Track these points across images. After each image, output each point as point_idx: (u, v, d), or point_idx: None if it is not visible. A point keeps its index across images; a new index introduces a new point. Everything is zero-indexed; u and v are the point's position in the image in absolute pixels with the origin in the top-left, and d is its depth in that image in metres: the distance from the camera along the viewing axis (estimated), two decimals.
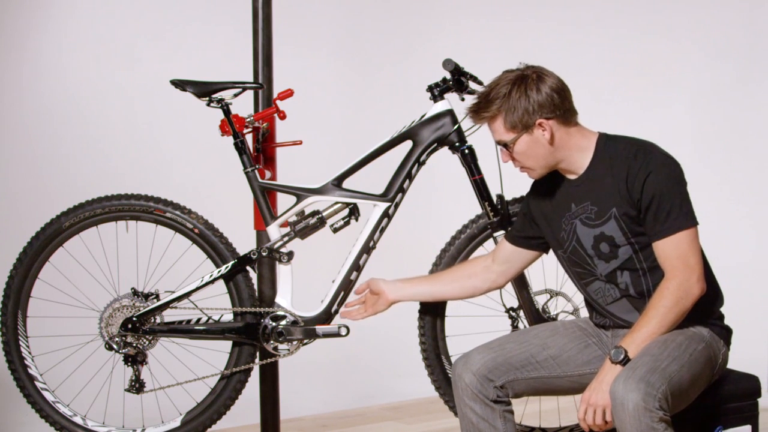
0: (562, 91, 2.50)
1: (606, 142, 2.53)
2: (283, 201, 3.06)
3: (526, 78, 2.49)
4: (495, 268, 2.80)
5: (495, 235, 3.00)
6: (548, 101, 2.47)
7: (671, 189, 2.42)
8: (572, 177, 2.57)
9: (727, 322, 2.59)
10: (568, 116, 2.51)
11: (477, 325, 3.02)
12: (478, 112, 2.54)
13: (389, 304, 2.86)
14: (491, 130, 2.56)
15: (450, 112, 2.99)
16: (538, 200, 2.68)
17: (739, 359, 2.73)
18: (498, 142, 2.56)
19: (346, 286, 2.97)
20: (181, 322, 2.98)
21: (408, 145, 2.99)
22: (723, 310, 2.60)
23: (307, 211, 2.99)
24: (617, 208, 2.47)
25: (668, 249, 2.41)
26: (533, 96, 2.47)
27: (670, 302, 2.39)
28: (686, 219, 2.42)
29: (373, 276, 2.92)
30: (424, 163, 3.00)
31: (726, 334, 2.56)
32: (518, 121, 2.47)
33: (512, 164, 2.59)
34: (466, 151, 2.98)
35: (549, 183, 2.64)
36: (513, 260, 2.78)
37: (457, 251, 3.05)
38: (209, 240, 3.01)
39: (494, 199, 3.00)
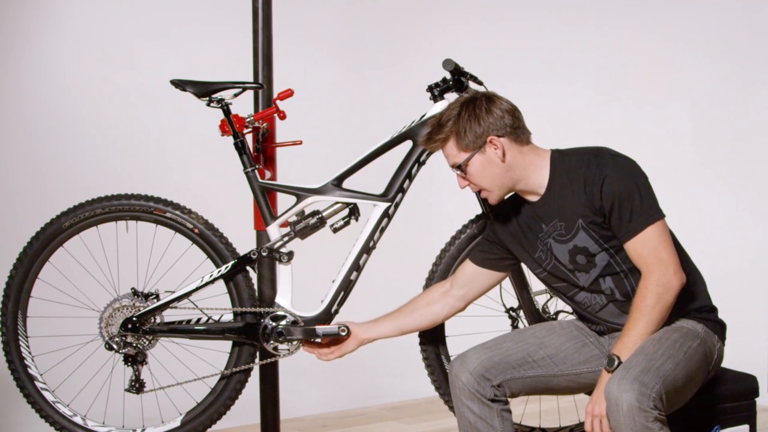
0: (512, 112, 2.54)
1: (560, 158, 2.56)
2: (283, 201, 3.06)
3: (476, 100, 2.54)
4: (454, 292, 2.80)
5: None
6: (498, 120, 2.51)
7: (629, 188, 2.43)
8: (534, 199, 2.60)
9: (725, 322, 2.59)
10: (519, 134, 2.54)
11: (477, 325, 3.02)
12: (431, 137, 2.57)
13: (359, 344, 2.87)
14: (445, 156, 2.59)
15: None
16: (506, 226, 2.69)
17: (737, 359, 2.73)
18: (452, 166, 2.58)
19: (346, 286, 2.97)
20: (181, 322, 2.98)
21: (408, 145, 2.99)
22: (719, 308, 2.60)
23: (307, 211, 2.99)
24: (582, 218, 2.49)
25: (639, 247, 2.43)
26: (483, 116, 2.51)
27: (651, 300, 2.39)
28: (650, 214, 2.43)
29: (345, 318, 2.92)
30: (424, 163, 3.00)
31: (720, 328, 2.56)
32: (470, 140, 2.51)
33: (470, 189, 2.61)
34: None
35: (513, 208, 2.66)
36: (475, 283, 2.78)
37: (457, 251, 3.05)
38: (209, 240, 3.01)
39: None
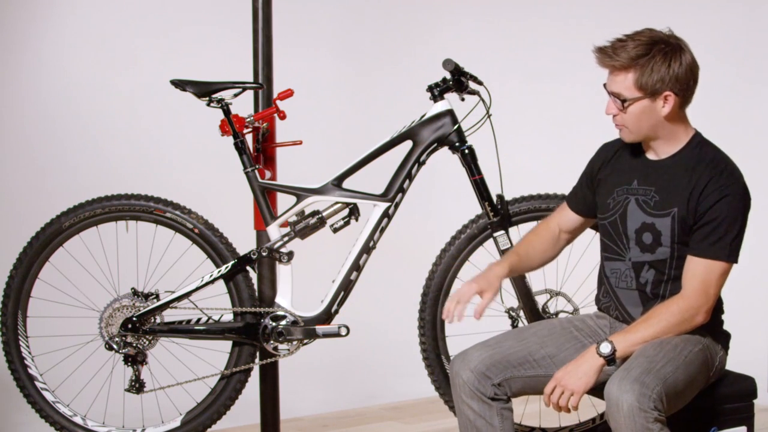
0: (696, 72, 2.46)
1: (700, 143, 2.51)
2: (283, 201, 3.06)
3: (672, 45, 2.43)
4: (563, 236, 2.75)
5: (495, 235, 3.00)
6: (684, 77, 2.42)
7: (734, 219, 2.40)
8: (651, 156, 2.54)
9: (724, 323, 2.59)
10: (687, 101, 2.48)
11: (477, 325, 3.01)
12: (611, 56, 2.44)
13: (496, 292, 2.65)
14: (612, 78, 2.47)
15: (450, 112, 2.99)
16: (607, 160, 2.64)
17: (735, 360, 2.72)
18: (613, 93, 2.47)
19: (346, 286, 2.97)
20: (181, 322, 2.98)
21: (408, 145, 2.99)
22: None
23: (307, 211, 2.99)
24: (679, 209, 2.45)
25: (699, 269, 2.40)
26: (674, 67, 2.40)
27: (675, 320, 2.39)
28: (731, 252, 2.41)
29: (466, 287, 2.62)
30: (424, 163, 3.00)
31: (724, 339, 2.56)
32: (650, 84, 2.41)
33: (612, 118, 2.51)
34: (466, 151, 2.99)
35: (624, 149, 2.61)
36: (580, 225, 2.74)
37: (457, 251, 3.05)
38: (209, 240, 3.01)
39: (494, 199, 3.00)
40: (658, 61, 2.40)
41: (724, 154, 2.51)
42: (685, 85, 2.43)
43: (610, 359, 2.34)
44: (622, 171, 2.59)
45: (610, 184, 2.60)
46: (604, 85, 2.50)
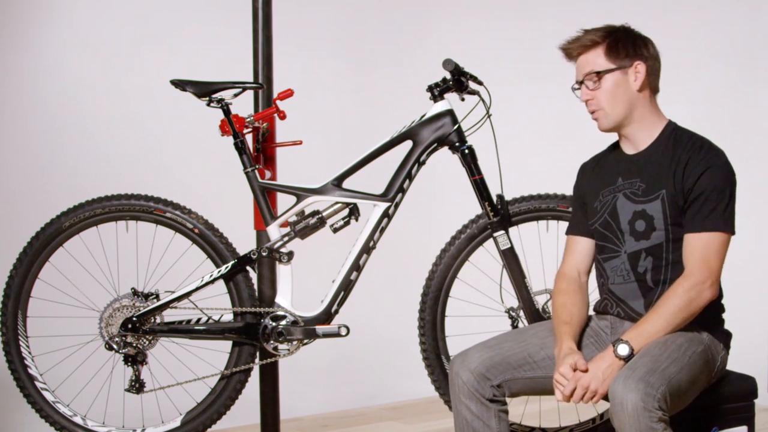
0: (659, 59, 2.57)
1: (674, 129, 2.56)
2: (283, 201, 3.06)
3: (633, 30, 2.58)
4: (584, 278, 2.72)
5: (495, 235, 3.00)
6: (649, 50, 2.54)
7: (723, 190, 2.43)
8: (630, 151, 2.59)
9: (725, 322, 2.59)
10: (656, 82, 2.56)
11: (477, 325, 3.02)
12: (579, 38, 2.57)
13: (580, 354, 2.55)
14: (582, 61, 2.57)
15: (450, 112, 2.99)
16: (589, 174, 2.69)
17: (736, 360, 2.73)
18: (587, 75, 2.54)
19: (346, 286, 2.97)
20: (181, 322, 2.98)
21: (408, 145, 2.99)
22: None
23: (307, 211, 2.99)
24: (667, 190, 2.48)
25: (696, 245, 2.42)
26: (638, 41, 2.54)
27: (682, 302, 2.39)
28: (725, 223, 2.43)
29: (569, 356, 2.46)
30: (424, 163, 3.00)
31: (725, 338, 2.56)
32: (622, 55, 2.51)
33: (586, 106, 2.58)
34: (466, 151, 2.99)
35: (602, 159, 2.67)
36: (591, 251, 2.70)
37: (457, 251, 3.05)
38: (209, 240, 3.01)
39: (494, 199, 3.00)
40: (622, 35, 2.55)
41: (701, 135, 2.56)
42: (652, 59, 2.53)
43: (629, 359, 2.36)
44: (605, 175, 2.63)
45: (596, 189, 2.64)
46: (572, 87, 2.59)
